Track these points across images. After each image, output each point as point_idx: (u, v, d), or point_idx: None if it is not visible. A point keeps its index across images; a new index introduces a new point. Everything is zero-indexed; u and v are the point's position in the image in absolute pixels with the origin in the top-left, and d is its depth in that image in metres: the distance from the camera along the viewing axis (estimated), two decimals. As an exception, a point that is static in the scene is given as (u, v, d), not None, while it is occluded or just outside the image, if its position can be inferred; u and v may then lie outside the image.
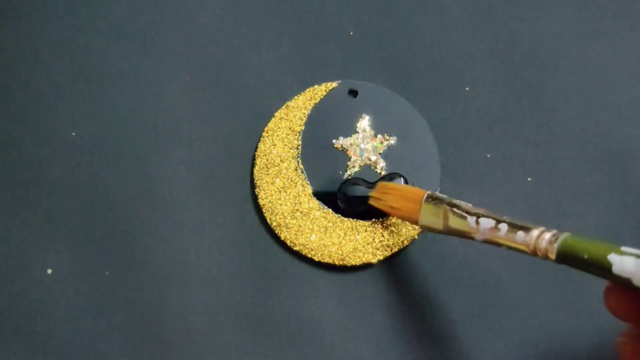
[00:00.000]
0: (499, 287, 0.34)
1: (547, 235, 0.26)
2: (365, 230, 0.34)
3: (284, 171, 0.35)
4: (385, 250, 0.34)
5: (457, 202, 0.30)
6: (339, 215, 0.35)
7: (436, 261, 0.35)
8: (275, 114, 0.37)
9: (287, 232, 0.35)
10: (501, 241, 0.27)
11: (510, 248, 0.27)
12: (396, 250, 0.34)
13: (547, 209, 0.36)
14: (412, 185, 0.35)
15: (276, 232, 0.35)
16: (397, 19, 0.40)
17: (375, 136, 0.36)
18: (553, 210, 0.36)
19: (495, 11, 0.40)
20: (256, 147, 0.36)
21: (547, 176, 0.36)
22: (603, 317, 0.26)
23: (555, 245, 0.25)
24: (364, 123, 0.36)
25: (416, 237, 0.34)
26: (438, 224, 0.30)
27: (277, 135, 0.36)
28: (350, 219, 0.35)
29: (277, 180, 0.35)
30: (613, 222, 0.35)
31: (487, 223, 0.28)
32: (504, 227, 0.27)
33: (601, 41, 0.39)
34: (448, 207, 0.30)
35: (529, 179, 0.36)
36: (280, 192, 0.35)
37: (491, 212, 0.28)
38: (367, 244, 0.34)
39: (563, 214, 0.36)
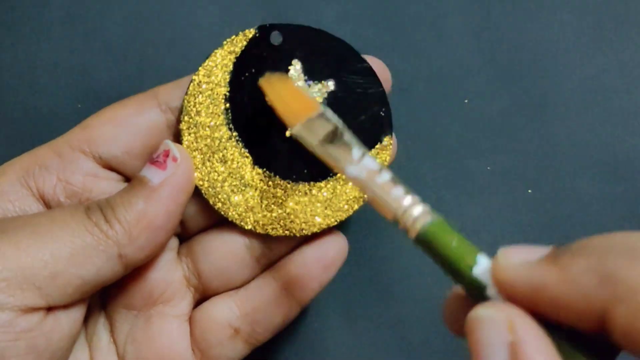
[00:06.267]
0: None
1: (420, 208, 0.23)
2: (326, 186, 0.31)
3: (217, 142, 0.31)
4: (359, 201, 0.31)
5: (350, 135, 0.27)
6: (289, 180, 0.31)
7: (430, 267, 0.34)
8: (193, 78, 0.31)
9: (234, 210, 0.31)
10: (371, 190, 0.25)
11: (374, 203, 0.25)
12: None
13: (549, 221, 0.36)
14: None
15: (222, 213, 0.31)
16: (394, 31, 0.38)
17: (309, 84, 0.31)
18: (554, 222, 0.36)
19: (494, 21, 0.39)
20: (179, 122, 0.31)
21: (548, 188, 0.36)
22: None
23: (424, 221, 0.23)
24: (296, 71, 0.31)
25: None
26: (314, 138, 0.27)
27: (200, 102, 0.31)
28: (302, 182, 0.31)
29: (212, 154, 0.31)
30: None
31: (371, 163, 0.25)
32: (386, 175, 0.25)
33: (602, 51, 0.38)
34: (338, 130, 0.27)
35: (529, 190, 0.36)
36: (217, 167, 0.31)
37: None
38: (334, 196, 0.31)
39: (565, 226, 0.36)
